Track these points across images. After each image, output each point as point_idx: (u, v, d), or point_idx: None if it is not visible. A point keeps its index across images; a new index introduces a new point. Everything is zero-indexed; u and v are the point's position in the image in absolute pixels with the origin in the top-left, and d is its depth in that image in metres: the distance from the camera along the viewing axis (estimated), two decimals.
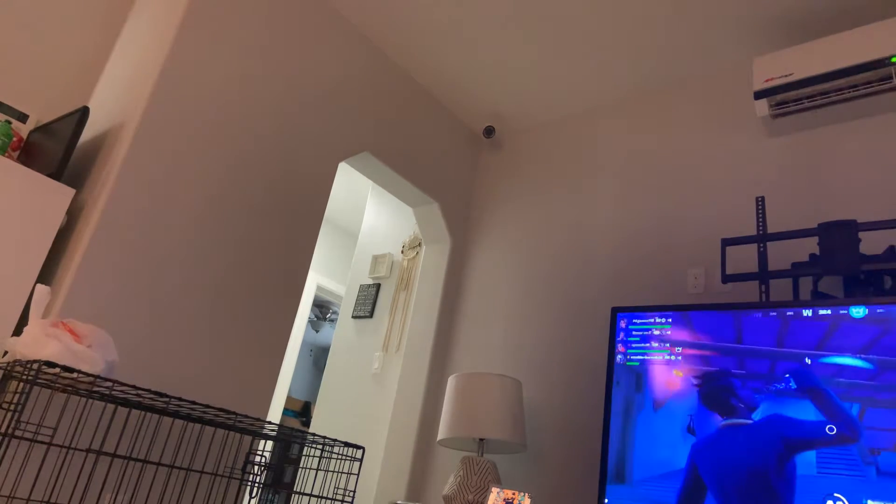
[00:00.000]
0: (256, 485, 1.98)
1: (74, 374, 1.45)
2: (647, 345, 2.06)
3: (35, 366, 1.45)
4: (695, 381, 1.88)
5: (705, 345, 1.95)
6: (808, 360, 1.74)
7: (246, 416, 1.73)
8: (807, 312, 1.82)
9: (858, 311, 1.74)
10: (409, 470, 2.81)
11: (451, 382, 2.40)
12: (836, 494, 1.59)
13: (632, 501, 1.89)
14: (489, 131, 3.41)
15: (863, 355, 1.68)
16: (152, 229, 2.04)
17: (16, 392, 1.52)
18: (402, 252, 3.54)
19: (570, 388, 2.59)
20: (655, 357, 2.03)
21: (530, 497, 1.58)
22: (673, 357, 1.99)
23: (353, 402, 3.30)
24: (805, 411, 1.70)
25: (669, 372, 1.98)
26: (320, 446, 1.93)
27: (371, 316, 3.49)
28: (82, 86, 2.52)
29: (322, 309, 6.10)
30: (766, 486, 1.69)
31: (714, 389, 1.84)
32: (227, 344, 2.19)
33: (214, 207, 2.23)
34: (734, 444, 1.77)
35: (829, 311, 1.79)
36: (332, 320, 6.13)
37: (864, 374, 1.66)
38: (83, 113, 2.04)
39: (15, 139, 2.20)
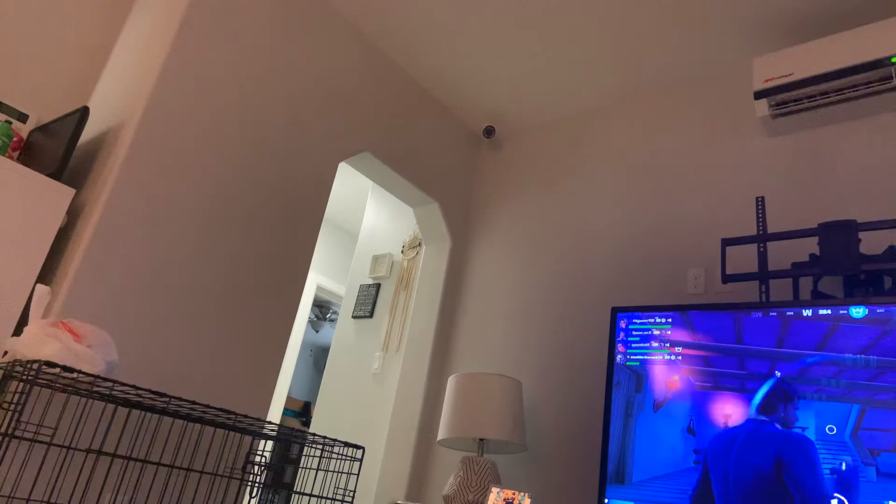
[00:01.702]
0: (256, 485, 1.98)
1: (74, 374, 1.45)
2: (648, 345, 2.06)
3: (35, 366, 1.45)
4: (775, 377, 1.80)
5: (705, 345, 1.95)
6: (777, 374, 1.75)
7: (246, 416, 1.73)
8: (807, 312, 1.82)
9: (858, 312, 1.74)
10: (409, 470, 2.81)
11: (451, 382, 2.40)
12: (836, 495, 1.59)
13: (632, 502, 1.89)
14: (489, 131, 3.41)
15: (863, 356, 1.68)
16: (152, 229, 2.04)
17: (16, 392, 1.52)
18: (402, 252, 3.54)
19: (570, 389, 2.59)
20: (655, 357, 2.03)
21: (530, 497, 1.58)
22: (673, 357, 1.99)
23: (353, 402, 3.30)
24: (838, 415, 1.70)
25: (670, 372, 1.98)
26: (320, 446, 1.93)
27: (371, 316, 3.49)
28: (82, 86, 2.52)
29: (322, 309, 6.10)
30: (770, 489, 1.69)
31: (776, 393, 1.79)
32: (227, 344, 2.19)
33: (214, 207, 2.23)
34: (746, 446, 1.77)
35: (829, 312, 1.79)
36: (332, 320, 6.13)
37: (864, 375, 1.66)
38: (83, 113, 2.04)
39: (15, 139, 2.20)
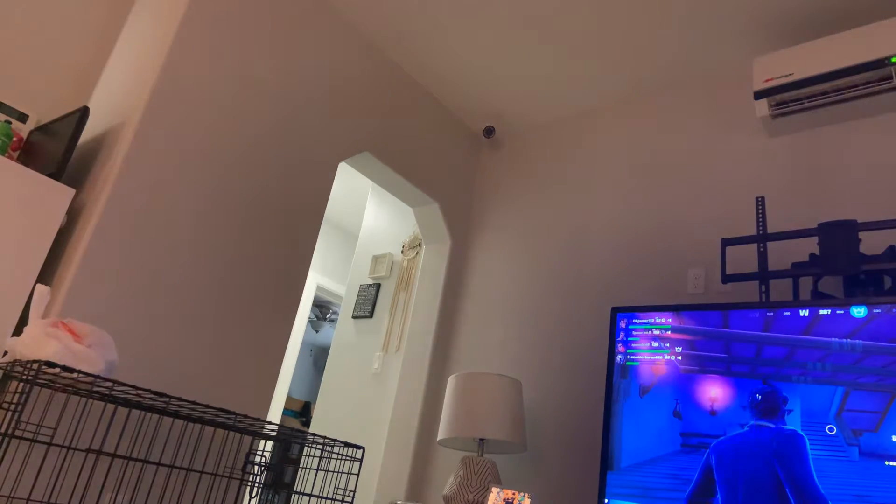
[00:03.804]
0: (256, 485, 1.98)
1: (74, 374, 1.45)
2: (648, 345, 2.06)
3: (35, 366, 1.45)
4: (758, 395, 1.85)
5: (705, 344, 1.95)
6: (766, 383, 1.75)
7: (246, 416, 1.73)
8: (804, 312, 1.82)
9: (859, 311, 1.75)
10: (409, 470, 2.81)
11: (451, 382, 2.40)
12: None
13: (631, 502, 1.89)
14: (489, 131, 3.41)
15: (848, 340, 1.72)
16: (152, 229, 2.04)
17: (16, 392, 1.52)
18: (402, 252, 3.54)
19: (570, 388, 2.59)
20: (656, 357, 2.03)
21: (530, 497, 1.58)
22: (673, 357, 1.99)
23: (353, 402, 3.30)
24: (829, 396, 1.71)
25: (669, 371, 1.98)
26: (320, 446, 1.93)
27: (371, 316, 3.49)
28: (82, 86, 2.52)
29: (322, 309, 6.10)
30: (773, 489, 1.69)
31: (770, 397, 1.82)
32: (227, 344, 2.19)
33: (214, 207, 2.23)
34: (752, 446, 1.77)
35: (828, 311, 1.79)
36: (332, 320, 6.13)
37: (849, 359, 1.69)
38: (83, 113, 2.04)
39: (15, 139, 2.20)
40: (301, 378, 5.97)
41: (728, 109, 2.68)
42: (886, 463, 1.57)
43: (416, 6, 2.75)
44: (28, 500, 1.61)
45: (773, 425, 1.75)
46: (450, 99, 3.31)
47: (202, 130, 2.23)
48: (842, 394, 1.68)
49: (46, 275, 1.94)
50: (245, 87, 2.38)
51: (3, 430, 1.55)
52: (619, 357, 2.10)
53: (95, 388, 1.56)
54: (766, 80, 2.32)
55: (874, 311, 1.72)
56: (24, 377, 1.43)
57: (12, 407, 1.56)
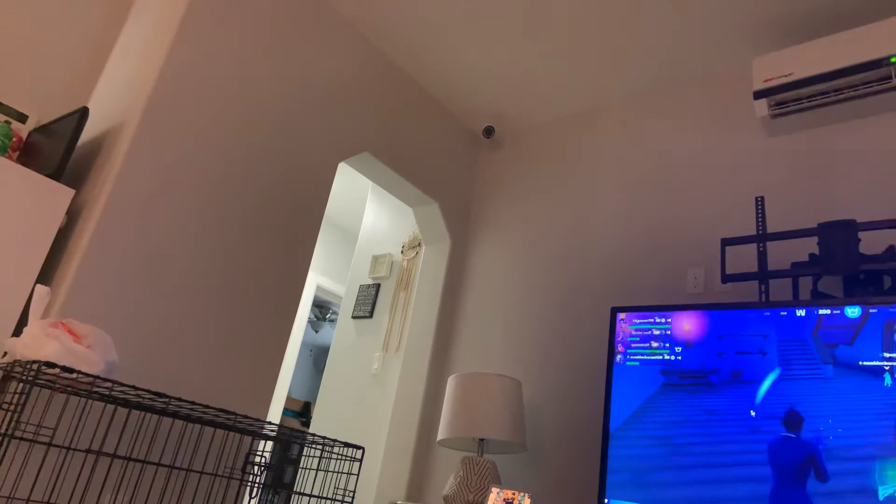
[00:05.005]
0: (256, 485, 1.98)
1: (74, 375, 1.45)
2: (647, 345, 2.06)
3: (35, 366, 1.45)
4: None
5: (705, 344, 1.95)
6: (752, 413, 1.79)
7: (246, 417, 1.74)
8: (800, 312, 1.82)
9: (854, 311, 1.75)
10: (409, 470, 2.81)
11: (451, 382, 2.40)
12: None
13: (633, 502, 1.89)
14: (489, 131, 3.41)
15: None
16: (152, 229, 2.04)
17: (16, 392, 1.52)
18: (402, 252, 3.54)
19: (569, 388, 2.59)
20: (655, 357, 2.03)
21: (530, 497, 1.58)
22: (672, 357, 1.99)
23: (353, 402, 3.30)
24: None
25: (669, 371, 1.98)
26: (320, 446, 1.93)
27: (371, 316, 3.49)
28: (82, 86, 2.52)
29: (322, 309, 6.11)
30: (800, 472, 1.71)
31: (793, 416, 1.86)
32: (227, 344, 2.19)
33: (214, 207, 2.23)
34: (785, 448, 1.78)
35: (827, 311, 1.79)
36: (332, 320, 6.13)
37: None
38: (83, 113, 2.05)
39: (15, 139, 2.20)
40: (301, 378, 5.97)
41: (728, 109, 2.69)
42: (860, 363, 1.66)
43: (417, 6, 2.75)
44: (28, 500, 1.61)
45: (796, 436, 1.77)
46: (450, 99, 3.31)
47: (202, 130, 2.23)
48: (815, 317, 1.79)
49: (46, 275, 1.94)
50: (245, 87, 2.38)
51: (3, 430, 1.55)
52: (618, 357, 2.10)
53: (95, 389, 1.56)
54: (766, 80, 2.32)
55: (870, 311, 1.72)
56: (24, 377, 1.44)
57: (12, 407, 1.56)
